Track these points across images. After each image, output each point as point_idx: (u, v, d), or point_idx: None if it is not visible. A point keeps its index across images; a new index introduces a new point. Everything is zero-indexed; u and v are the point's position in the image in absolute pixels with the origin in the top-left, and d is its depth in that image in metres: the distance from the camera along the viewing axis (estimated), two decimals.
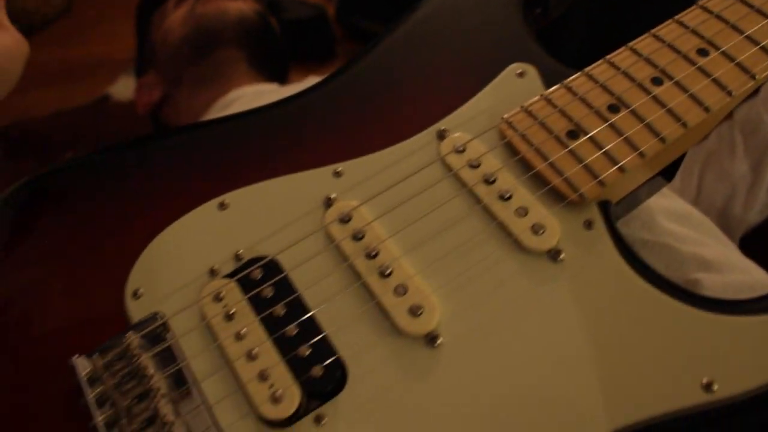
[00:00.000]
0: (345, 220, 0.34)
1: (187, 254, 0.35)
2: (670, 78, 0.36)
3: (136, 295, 0.34)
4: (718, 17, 0.38)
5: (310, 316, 0.32)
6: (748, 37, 0.37)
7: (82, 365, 0.33)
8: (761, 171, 0.62)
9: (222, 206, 0.36)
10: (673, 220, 0.46)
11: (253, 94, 0.70)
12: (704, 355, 0.30)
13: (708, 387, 0.29)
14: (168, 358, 0.32)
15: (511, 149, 0.36)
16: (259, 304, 0.33)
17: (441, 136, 0.37)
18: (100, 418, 0.31)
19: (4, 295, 0.36)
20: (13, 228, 0.38)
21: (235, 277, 0.33)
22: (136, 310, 0.34)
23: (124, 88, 1.41)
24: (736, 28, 0.37)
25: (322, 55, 0.93)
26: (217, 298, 0.33)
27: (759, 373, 0.29)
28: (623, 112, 0.35)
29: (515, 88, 0.38)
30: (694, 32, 0.38)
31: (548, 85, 0.38)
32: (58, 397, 0.33)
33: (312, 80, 0.73)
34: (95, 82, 1.44)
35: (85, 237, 0.37)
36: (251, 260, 0.34)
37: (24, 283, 0.36)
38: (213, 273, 0.34)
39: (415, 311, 0.31)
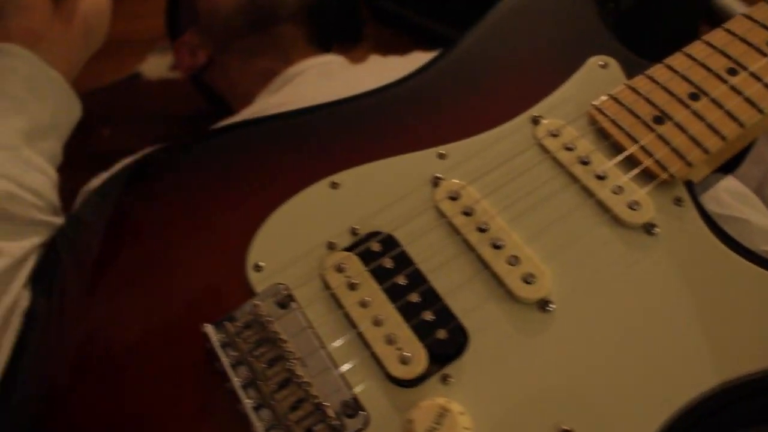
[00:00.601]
0: (454, 197, 0.37)
1: (304, 229, 0.37)
2: (745, 69, 0.39)
3: (257, 267, 0.37)
4: None
5: (429, 285, 0.35)
6: None
7: (214, 332, 0.35)
8: None
9: (333, 185, 0.39)
10: (735, 197, 0.50)
11: (321, 66, 0.69)
12: None
13: None
14: (295, 325, 0.35)
15: (602, 133, 0.39)
16: (380, 275, 0.35)
17: (535, 121, 0.40)
18: (236, 379, 0.33)
19: (128, 267, 0.38)
20: (132, 202, 0.40)
21: (355, 250, 0.36)
22: (258, 282, 0.36)
23: (154, 66, 1.42)
24: None
25: (350, 38, 0.90)
26: (339, 269, 0.36)
27: None
28: (703, 100, 0.38)
29: (599, 79, 0.41)
30: (764, 26, 0.41)
31: (628, 75, 0.42)
32: (190, 363, 0.35)
33: (375, 59, 0.74)
34: (122, 61, 1.45)
35: (203, 213, 0.39)
36: (368, 235, 0.37)
37: (147, 255, 0.38)
38: (331, 246, 0.37)
39: (528, 279, 0.34)
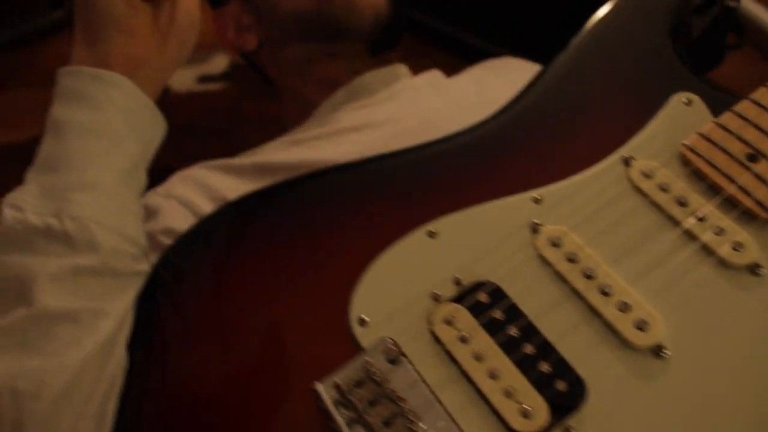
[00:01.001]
0: (556, 243, 0.37)
1: (405, 281, 0.37)
2: None
3: (361, 321, 0.36)
4: None
5: (542, 336, 0.35)
6: None
7: (326, 390, 0.35)
8: None
9: (431, 234, 0.38)
10: None
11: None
12: None
13: None
14: (408, 380, 0.34)
15: (696, 174, 0.39)
16: (491, 327, 0.35)
17: (627, 162, 0.40)
18: None
19: (229, 320, 0.38)
20: (231, 251, 0.40)
21: (463, 302, 0.36)
22: (363, 336, 0.36)
23: (182, 78, 1.42)
24: None
25: (386, 45, 0.84)
26: (448, 322, 0.35)
27: None
28: None
29: (685, 117, 0.41)
30: None
31: (712, 112, 0.42)
32: (301, 422, 0.35)
33: (435, 74, 0.69)
34: None
35: (301, 263, 0.39)
36: (474, 285, 0.36)
37: (248, 308, 0.38)
38: (435, 298, 0.37)
39: (641, 325, 0.34)
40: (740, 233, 0.37)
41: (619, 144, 0.41)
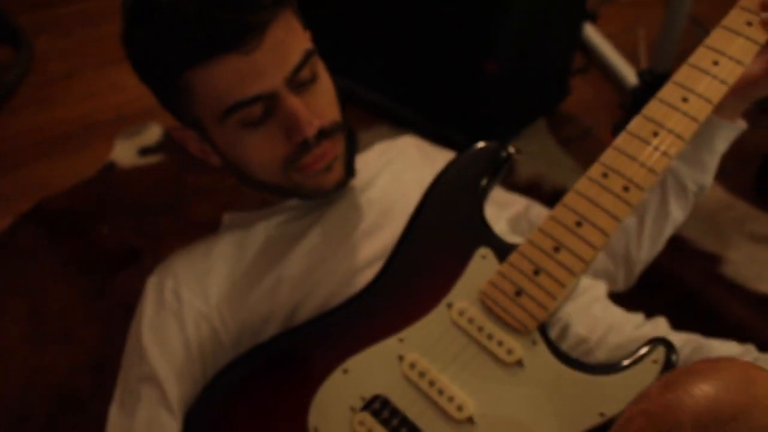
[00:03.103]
0: (413, 365, 0.66)
1: (336, 401, 0.67)
2: (563, 246, 0.68)
3: (315, 429, 0.66)
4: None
5: (412, 422, 0.64)
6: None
7: None
8: (643, 221, 0.93)
9: (345, 371, 0.67)
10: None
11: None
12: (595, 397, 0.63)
13: (602, 415, 0.62)
14: None
15: (488, 308, 0.68)
16: (385, 422, 0.64)
17: (449, 306, 0.68)
18: None
19: None
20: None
21: (367, 410, 0.65)
22: None
23: (124, 152, 1.56)
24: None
25: None
26: (361, 423, 0.65)
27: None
28: (542, 275, 0.67)
29: (483, 267, 0.70)
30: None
31: (500, 259, 0.70)
32: None
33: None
34: (93, 147, 1.61)
35: (275, 401, 0.68)
36: (372, 398, 0.66)
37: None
38: (353, 409, 0.66)
39: (460, 406, 0.64)
40: (513, 343, 0.66)
41: (446, 292, 0.70)
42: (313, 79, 0.78)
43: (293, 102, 0.75)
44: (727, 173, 1.44)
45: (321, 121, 0.77)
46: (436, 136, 1.50)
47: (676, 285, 1.15)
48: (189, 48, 0.72)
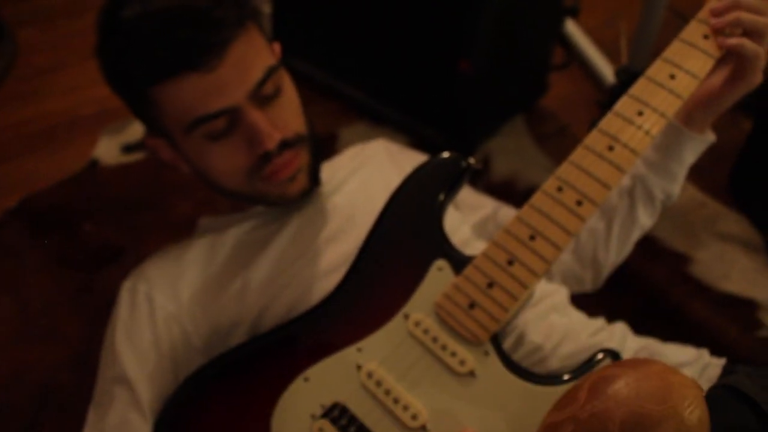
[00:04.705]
0: (371, 375, 0.69)
1: (297, 408, 0.69)
2: (516, 259, 0.70)
3: None
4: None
5: (370, 430, 0.67)
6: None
7: None
8: (611, 226, 0.95)
9: (306, 379, 0.70)
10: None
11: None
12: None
13: None
14: None
15: (443, 320, 0.70)
16: (343, 430, 0.67)
17: (406, 317, 0.71)
18: None
19: None
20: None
21: (326, 417, 0.68)
22: None
23: (107, 149, 1.58)
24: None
25: None
26: (321, 431, 0.68)
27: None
28: (495, 288, 0.69)
29: (439, 279, 0.72)
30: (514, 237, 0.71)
31: (456, 271, 0.72)
32: None
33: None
34: (77, 143, 1.62)
35: (242, 404, 0.71)
36: (331, 406, 0.68)
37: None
38: (313, 416, 0.69)
39: (414, 416, 0.67)
40: (466, 354, 0.68)
41: (404, 303, 0.72)
42: (277, 93, 0.80)
43: (255, 116, 0.77)
44: (701, 172, 1.46)
45: (283, 133, 0.80)
46: (414, 134, 1.54)
47: (644, 285, 1.18)
48: (153, 66, 0.74)
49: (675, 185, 0.90)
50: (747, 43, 0.74)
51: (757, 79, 0.78)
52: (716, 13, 0.75)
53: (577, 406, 0.52)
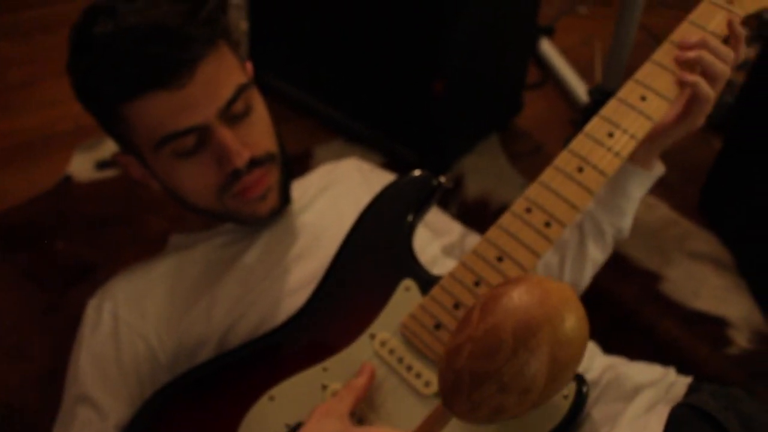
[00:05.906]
0: (335, 395, 0.68)
1: (262, 427, 0.69)
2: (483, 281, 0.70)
3: None
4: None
5: None
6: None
7: None
8: (564, 261, 0.94)
9: (271, 398, 0.70)
10: None
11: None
12: None
13: None
14: None
15: (408, 340, 0.70)
16: None
17: (372, 336, 0.71)
18: None
19: None
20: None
21: None
22: None
23: (81, 165, 1.56)
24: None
25: None
26: None
27: None
28: (462, 309, 0.70)
29: (406, 299, 0.73)
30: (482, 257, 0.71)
31: (423, 292, 0.72)
32: None
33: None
34: (51, 159, 1.60)
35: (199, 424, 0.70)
36: (296, 425, 0.68)
37: None
38: None
39: None
40: (431, 375, 0.68)
41: (370, 323, 0.72)
42: (247, 111, 0.80)
43: (224, 134, 0.77)
44: (672, 190, 1.48)
45: (252, 151, 0.80)
46: (389, 152, 1.54)
47: (615, 304, 1.19)
48: (123, 83, 0.74)
49: (624, 220, 0.89)
50: (702, 84, 0.74)
51: (699, 122, 0.78)
52: (683, 47, 0.76)
53: (473, 327, 0.55)
